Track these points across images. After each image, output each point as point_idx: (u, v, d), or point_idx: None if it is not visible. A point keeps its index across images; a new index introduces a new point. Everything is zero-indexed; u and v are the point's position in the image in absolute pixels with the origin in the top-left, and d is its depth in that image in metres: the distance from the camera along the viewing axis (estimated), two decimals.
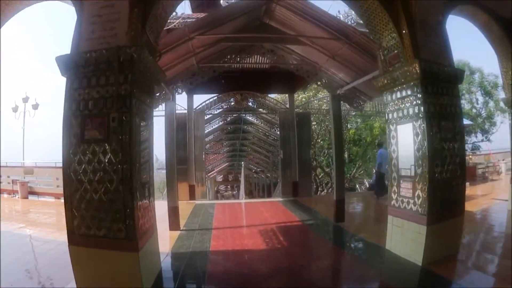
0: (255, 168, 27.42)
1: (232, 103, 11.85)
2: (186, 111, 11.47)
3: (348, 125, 19.95)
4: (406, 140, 4.93)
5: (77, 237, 3.54)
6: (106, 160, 3.33)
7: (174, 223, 6.59)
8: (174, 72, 6.21)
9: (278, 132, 15.80)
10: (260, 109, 13.14)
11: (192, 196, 11.07)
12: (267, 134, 17.45)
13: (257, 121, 16.13)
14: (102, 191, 3.34)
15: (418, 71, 4.56)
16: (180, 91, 6.56)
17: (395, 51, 4.96)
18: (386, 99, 5.25)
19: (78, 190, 3.48)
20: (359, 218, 7.97)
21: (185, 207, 9.68)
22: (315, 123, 17.55)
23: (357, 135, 19.78)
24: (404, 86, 4.85)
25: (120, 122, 3.29)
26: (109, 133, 3.31)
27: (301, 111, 12.25)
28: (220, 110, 12.95)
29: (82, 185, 3.44)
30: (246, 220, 7.63)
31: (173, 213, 6.55)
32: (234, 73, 11.94)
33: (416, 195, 4.70)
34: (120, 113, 3.32)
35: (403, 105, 4.91)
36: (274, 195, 15.37)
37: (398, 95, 4.99)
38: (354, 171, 21.79)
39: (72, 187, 3.51)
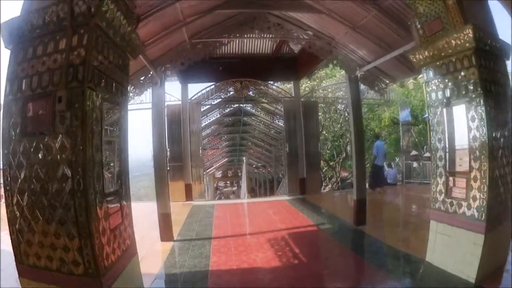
0: (256, 163, 26.44)
1: (231, 93, 10.75)
2: (180, 102, 10.38)
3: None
4: (457, 126, 3.93)
5: (25, 268, 2.53)
6: (51, 162, 2.28)
7: (166, 232, 5.56)
8: (161, 49, 5.14)
9: (282, 124, 14.82)
10: (262, 99, 12.06)
11: (188, 197, 10.03)
12: (269, 126, 16.37)
13: (259, 112, 15.00)
14: (48, 207, 2.30)
15: (472, 38, 3.55)
16: (169, 74, 5.47)
17: (437, 17, 3.95)
18: (427, 76, 4.24)
19: (20, 205, 2.44)
20: (381, 220, 6.95)
21: (180, 210, 8.68)
22: (320, 113, 16.50)
23: (364, 126, 18.69)
24: (453, 58, 3.83)
25: (70, 103, 2.22)
26: (54, 120, 2.25)
27: (307, 100, 11.16)
28: (218, 100, 11.86)
29: (24, 198, 2.41)
30: (252, 226, 6.58)
31: (165, 221, 5.52)
32: (233, 59, 10.90)
33: (471, 195, 3.72)
34: (69, 90, 2.24)
35: (452, 82, 3.89)
36: (278, 193, 14.35)
37: (444, 70, 3.97)
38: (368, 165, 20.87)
39: (14, 201, 2.48)
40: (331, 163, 21.05)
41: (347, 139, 19.76)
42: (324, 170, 20.63)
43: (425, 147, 14.76)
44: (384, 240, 5.32)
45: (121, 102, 2.91)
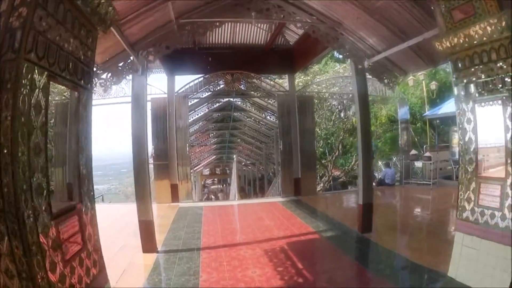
0: (245, 160, 25.82)
1: (221, 86, 10.05)
2: (165, 95, 9.63)
3: (350, 112, 18.43)
4: (491, 125, 3.41)
5: None
6: None
7: (148, 242, 4.88)
8: (143, 29, 4.42)
9: (274, 120, 14.25)
10: (254, 93, 11.40)
11: (175, 198, 9.33)
12: (260, 122, 15.74)
13: (250, 107, 14.32)
14: None
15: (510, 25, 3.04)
16: (152, 60, 4.75)
17: (468, 0, 3.41)
18: (455, 67, 3.70)
19: None
20: (387, 226, 6.42)
21: (166, 212, 8.00)
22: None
23: (356, 122, 18.23)
24: (487, 47, 3.29)
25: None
26: None
27: (302, 94, 10.56)
28: (207, 94, 11.14)
29: None
30: (245, 234, 5.93)
31: (146, 229, 4.83)
32: (224, 49, 10.20)
33: (506, 205, 3.22)
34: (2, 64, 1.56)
35: (486, 74, 3.35)
36: (269, 194, 13.74)
37: (477, 60, 3.41)
38: (353, 163, 20.53)
39: None
40: (323, 161, 20.58)
41: (340, 137, 19.34)
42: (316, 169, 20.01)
43: (424, 146, 14.42)
44: (395, 250, 4.79)
45: (84, 87, 2.23)
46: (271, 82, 10.52)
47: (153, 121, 9.44)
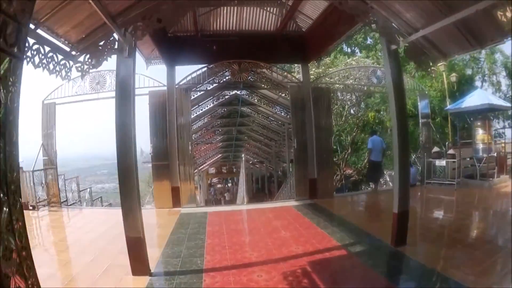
0: (253, 159, 24.93)
1: (228, 77, 9.12)
2: (165, 88, 8.75)
3: (362, 105, 17.41)
4: None
5: None
6: None
7: (138, 263, 4.00)
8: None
9: (285, 115, 13.29)
10: (263, 85, 10.45)
11: (176, 202, 8.46)
12: (270, 117, 14.77)
13: (258, 101, 13.35)
14: None
15: None
16: (141, 36, 3.82)
17: None
18: None
19: None
20: (421, 237, 5.45)
21: (165, 220, 7.16)
22: None
23: (377, 118, 17.26)
24: None
25: None
26: None
27: (317, 86, 9.59)
28: (212, 86, 10.24)
29: None
30: (258, 249, 5.01)
31: (136, 247, 3.95)
32: (229, 36, 9.28)
33: None
34: None
35: None
36: (280, 195, 12.80)
37: None
38: (365, 161, 19.51)
39: None
40: (335, 160, 19.58)
41: (354, 133, 18.35)
42: None
43: (447, 143, 13.36)
44: (440, 269, 3.84)
45: (9, 53, 1.34)
46: (283, 72, 9.53)
47: (152, 117, 8.59)
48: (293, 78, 9.58)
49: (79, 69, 3.73)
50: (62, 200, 9.60)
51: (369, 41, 22.81)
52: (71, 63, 3.70)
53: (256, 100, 13.05)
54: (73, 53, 3.74)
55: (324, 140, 9.32)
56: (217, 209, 8.37)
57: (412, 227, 5.39)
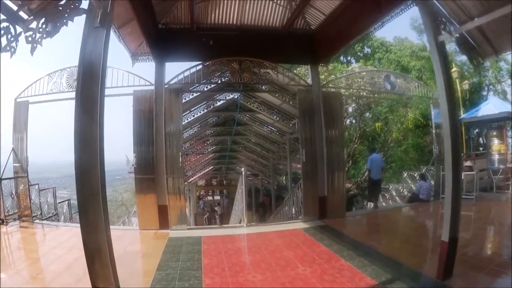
0: (247, 171, 23.64)
1: (227, 78, 7.96)
2: (153, 88, 7.54)
3: (368, 114, 16.51)
4: None
5: None
6: None
7: None
8: None
9: (287, 123, 12.16)
10: (267, 87, 9.32)
11: (163, 223, 7.18)
12: (270, 126, 13.61)
13: (258, 107, 12.17)
14: None
15: None
16: None
17: None
18: None
19: None
20: (466, 264, 4.38)
21: (149, 248, 5.94)
22: None
23: (379, 128, 16.37)
24: None
25: None
26: None
27: (327, 90, 8.55)
28: (209, 87, 9.05)
29: None
30: None
31: None
32: (229, 31, 8.20)
33: None
34: None
35: None
36: (279, 214, 11.51)
37: None
38: (366, 174, 18.62)
39: None
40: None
41: (355, 145, 17.40)
42: None
43: (462, 155, 12.48)
44: None
45: None
46: (290, 74, 8.43)
47: (136, 122, 7.38)
48: (301, 81, 8.48)
49: (30, 39, 2.53)
50: (35, 214, 8.32)
51: (366, 50, 22.24)
52: (19, 29, 2.51)
53: (255, 106, 11.87)
54: (23, 15, 2.55)
55: (335, 152, 8.26)
56: (213, 232, 7.08)
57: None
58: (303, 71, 12.54)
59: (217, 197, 31.43)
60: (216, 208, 24.20)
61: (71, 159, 2.52)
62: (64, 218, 9.95)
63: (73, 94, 7.70)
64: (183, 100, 8.91)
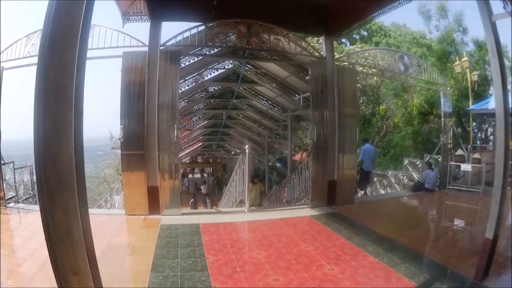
0: (236, 149, 22.77)
1: (231, 43, 6.86)
2: (146, 50, 6.42)
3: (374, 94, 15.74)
4: None
5: None
6: None
7: None
8: None
9: (291, 98, 11.18)
10: (276, 56, 8.25)
11: (154, 206, 6.27)
12: (271, 101, 12.55)
13: (261, 79, 11.05)
14: None
15: None
16: None
17: None
18: None
19: None
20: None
21: (140, 238, 5.11)
22: None
23: (383, 111, 15.66)
24: None
25: None
26: None
27: (343, 65, 7.66)
28: (214, 51, 7.87)
29: None
30: None
31: None
32: None
33: None
34: None
35: None
36: (274, 197, 10.74)
37: None
38: (358, 159, 18.12)
39: None
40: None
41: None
42: None
43: (469, 146, 12.00)
44: None
45: None
46: (302, 43, 7.43)
47: (124, 89, 6.28)
48: (315, 53, 7.52)
49: None
50: (9, 197, 7.23)
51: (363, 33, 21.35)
52: None
53: (258, 78, 10.76)
54: None
55: (347, 133, 7.48)
56: (211, 219, 6.20)
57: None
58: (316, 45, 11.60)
59: (205, 175, 30.63)
60: (201, 187, 23.34)
61: None
62: None
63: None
64: (182, 65, 7.80)
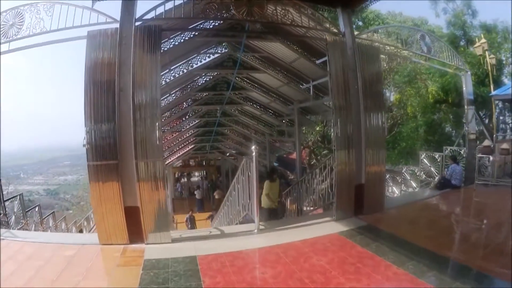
0: (229, 149, 21.19)
1: (230, 18, 5.36)
2: (117, 26, 4.89)
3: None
4: None
5: None
6: None
7: None
8: None
9: (297, 86, 9.69)
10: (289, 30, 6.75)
11: (135, 233, 4.77)
12: (274, 92, 10.93)
13: (263, 64, 9.43)
14: None
15: None
16: None
17: None
18: None
19: None
20: None
21: (115, 282, 3.54)
22: None
23: (396, 101, 14.42)
24: None
25: None
26: None
27: (364, 42, 6.28)
28: (201, 30, 6.35)
29: None
30: None
31: None
32: None
33: None
34: None
35: None
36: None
37: None
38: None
39: None
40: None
41: None
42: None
43: (494, 136, 10.85)
44: None
45: None
46: (316, 14, 5.98)
47: (89, 79, 4.76)
48: (331, 28, 6.09)
49: None
50: None
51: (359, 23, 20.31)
52: None
53: (258, 63, 9.16)
54: None
55: (374, 125, 6.09)
56: (213, 246, 4.66)
57: None
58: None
59: (197, 179, 29.08)
60: (195, 192, 21.80)
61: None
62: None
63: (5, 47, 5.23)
64: (163, 49, 6.27)
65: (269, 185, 7.14)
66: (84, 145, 4.62)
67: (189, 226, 14.34)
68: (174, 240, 4.92)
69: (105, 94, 4.72)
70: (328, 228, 5.38)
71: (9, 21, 5.26)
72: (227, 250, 4.51)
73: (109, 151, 4.66)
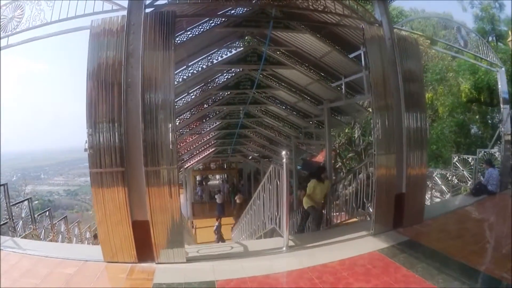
0: (252, 152, 20.60)
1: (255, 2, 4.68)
2: (124, 14, 4.32)
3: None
4: None
5: None
6: None
7: None
8: None
9: (326, 83, 8.91)
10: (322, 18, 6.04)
11: (144, 250, 4.17)
12: (303, 91, 10.12)
13: (291, 60, 8.68)
14: None
15: None
16: None
17: None
18: None
19: None
20: None
21: None
22: None
23: (429, 100, 13.43)
24: None
25: None
26: None
27: (402, 33, 5.53)
28: (221, 17, 5.71)
29: None
30: None
31: None
32: None
33: None
34: None
35: None
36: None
37: None
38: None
39: None
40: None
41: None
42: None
43: None
44: None
45: None
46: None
47: (91, 76, 4.21)
48: (368, 16, 5.37)
49: None
50: None
51: None
52: None
53: (285, 58, 8.37)
54: None
55: (415, 124, 5.27)
56: (235, 268, 3.97)
57: None
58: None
59: (218, 182, 28.61)
60: (215, 196, 21.25)
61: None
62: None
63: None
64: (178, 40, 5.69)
65: (314, 185, 6.48)
66: (85, 150, 4.06)
67: (217, 235, 13.51)
68: (189, 259, 4.28)
69: (110, 91, 4.15)
70: (366, 244, 4.63)
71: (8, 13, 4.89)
72: (251, 273, 3.81)
73: (115, 157, 4.08)
